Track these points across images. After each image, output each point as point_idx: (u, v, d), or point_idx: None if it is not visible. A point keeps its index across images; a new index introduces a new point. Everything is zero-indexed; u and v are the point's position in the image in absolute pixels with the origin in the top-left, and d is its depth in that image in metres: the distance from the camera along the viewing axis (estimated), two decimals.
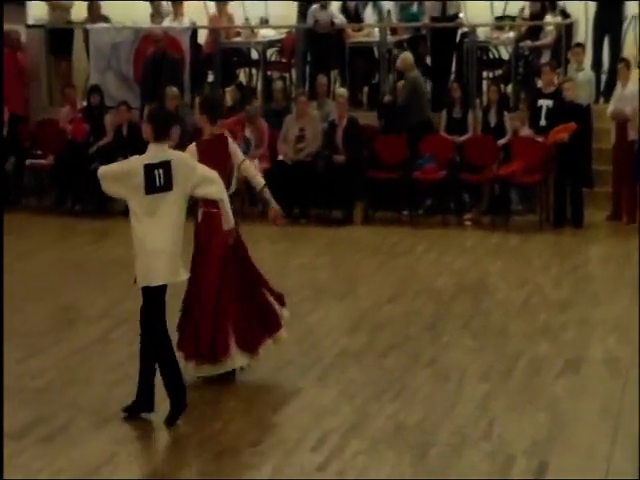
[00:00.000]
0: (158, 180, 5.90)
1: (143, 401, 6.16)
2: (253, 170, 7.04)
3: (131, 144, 12.33)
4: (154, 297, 6.04)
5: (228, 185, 6.61)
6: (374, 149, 12.13)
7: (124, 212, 11.79)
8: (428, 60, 13.36)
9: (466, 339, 7.71)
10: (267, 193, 7.05)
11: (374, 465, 5.59)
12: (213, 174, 6.18)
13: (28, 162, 12.93)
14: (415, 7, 13.73)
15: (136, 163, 5.97)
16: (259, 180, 7.00)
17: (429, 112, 12.34)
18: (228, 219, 6.39)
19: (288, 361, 7.24)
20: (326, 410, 6.35)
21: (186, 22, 13.83)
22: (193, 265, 6.65)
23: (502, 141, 11.83)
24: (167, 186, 5.94)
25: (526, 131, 11.85)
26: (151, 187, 5.91)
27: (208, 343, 6.64)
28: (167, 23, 13.79)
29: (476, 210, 11.92)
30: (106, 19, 14.16)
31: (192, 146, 6.69)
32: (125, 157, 12.00)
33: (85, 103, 13.15)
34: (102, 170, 6.09)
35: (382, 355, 7.40)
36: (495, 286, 9.30)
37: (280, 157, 12.14)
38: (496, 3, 13.96)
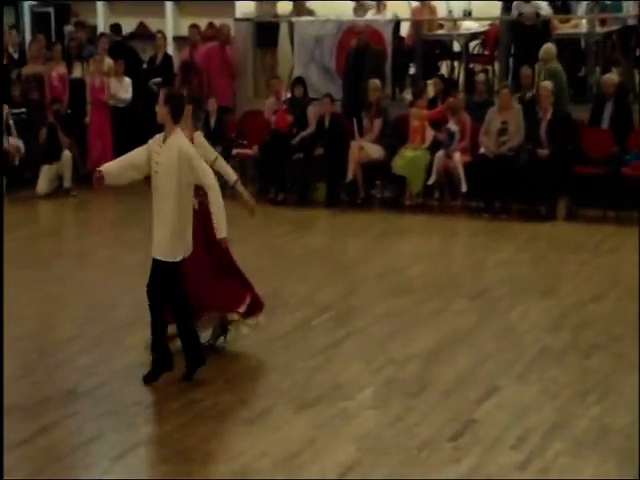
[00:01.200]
0: None
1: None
2: (224, 165, 7.30)
3: (333, 135, 12.51)
4: (178, 269, 6.52)
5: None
6: (580, 143, 11.78)
7: (325, 203, 12.24)
8: (638, 52, 12.86)
9: None
10: (240, 187, 7.32)
11: (577, 467, 5.42)
12: None
13: (234, 151, 13.28)
14: None
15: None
16: (232, 176, 7.30)
17: (567, 105, 11.92)
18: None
19: (487, 357, 7.15)
20: (526, 408, 6.22)
21: (389, 15, 13.87)
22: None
23: None
24: None
25: None
26: None
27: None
28: (370, 16, 13.87)
29: None
30: (311, 13, 14.39)
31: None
32: (326, 149, 12.38)
33: (289, 95, 13.40)
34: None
35: (585, 355, 7.18)
36: None
37: (481, 150, 11.98)
38: None
